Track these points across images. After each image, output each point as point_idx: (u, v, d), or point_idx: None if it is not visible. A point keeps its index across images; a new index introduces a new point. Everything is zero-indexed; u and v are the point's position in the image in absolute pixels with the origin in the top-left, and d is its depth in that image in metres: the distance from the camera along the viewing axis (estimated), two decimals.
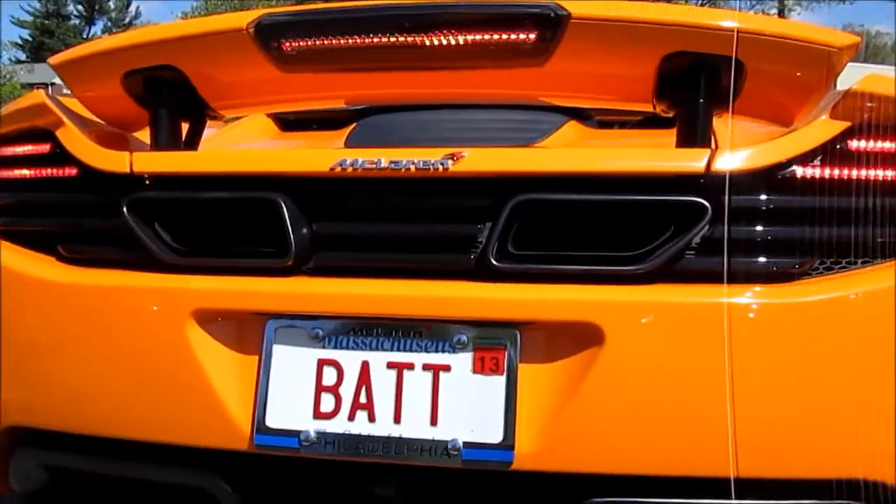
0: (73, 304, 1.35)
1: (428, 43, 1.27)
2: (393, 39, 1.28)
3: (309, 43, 1.31)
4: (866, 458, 1.14)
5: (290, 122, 2.23)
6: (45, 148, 1.45)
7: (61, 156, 1.42)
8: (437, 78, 1.38)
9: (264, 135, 2.15)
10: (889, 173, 1.19)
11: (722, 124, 1.42)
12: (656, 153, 1.25)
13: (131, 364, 1.31)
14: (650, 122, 1.64)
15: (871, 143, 1.20)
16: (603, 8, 1.26)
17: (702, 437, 1.14)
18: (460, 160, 1.23)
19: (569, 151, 1.37)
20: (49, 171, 1.44)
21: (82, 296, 1.35)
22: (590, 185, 1.21)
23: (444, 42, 1.27)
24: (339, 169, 1.26)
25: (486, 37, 1.26)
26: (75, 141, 1.41)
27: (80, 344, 1.34)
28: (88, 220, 1.40)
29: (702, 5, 19.90)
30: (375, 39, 1.28)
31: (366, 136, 1.77)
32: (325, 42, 1.30)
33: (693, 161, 1.19)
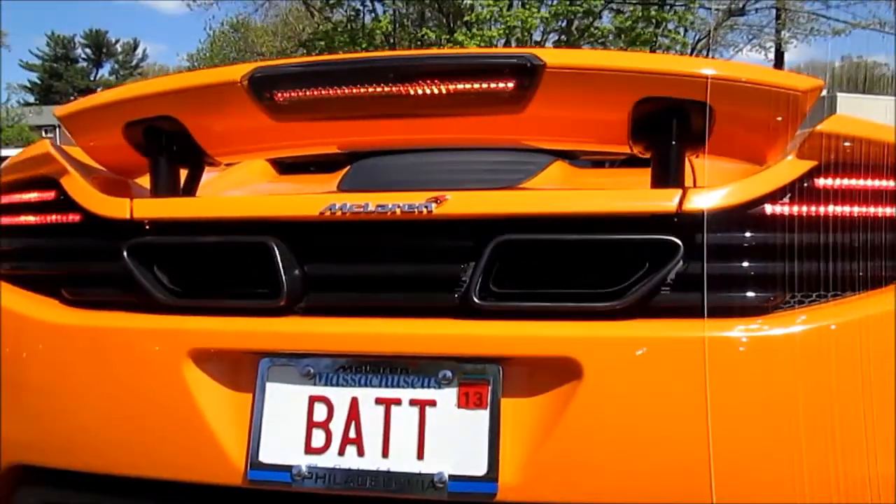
0: (75, 345, 1.40)
1: (412, 92, 1.33)
2: (379, 89, 1.34)
3: (300, 94, 1.37)
4: (850, 487, 1.17)
5: (287, 166, 2.30)
6: (50, 195, 1.51)
7: (65, 202, 1.48)
8: (422, 125, 1.44)
9: (263, 178, 2.21)
10: (853, 209, 1.24)
11: (701, 163, 1.48)
12: (630, 194, 1.30)
13: (130, 403, 1.35)
14: (637, 160, 1.69)
15: (836, 181, 1.25)
16: (576, 57, 1.33)
17: (680, 466, 1.18)
18: (443, 203, 1.28)
19: (547, 193, 1.42)
20: (54, 217, 1.50)
21: (84, 337, 1.40)
22: (567, 225, 1.26)
23: (428, 91, 1.32)
24: (328, 213, 1.31)
25: (468, 86, 1.32)
26: (78, 188, 1.47)
27: (81, 383, 1.39)
28: (91, 263, 1.46)
29: (699, 41, 20.12)
30: (362, 90, 1.34)
31: (358, 179, 1.83)
32: (315, 93, 1.36)
33: (665, 201, 1.24)
